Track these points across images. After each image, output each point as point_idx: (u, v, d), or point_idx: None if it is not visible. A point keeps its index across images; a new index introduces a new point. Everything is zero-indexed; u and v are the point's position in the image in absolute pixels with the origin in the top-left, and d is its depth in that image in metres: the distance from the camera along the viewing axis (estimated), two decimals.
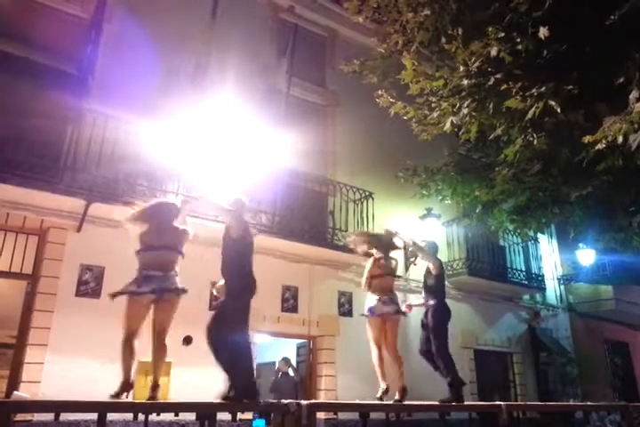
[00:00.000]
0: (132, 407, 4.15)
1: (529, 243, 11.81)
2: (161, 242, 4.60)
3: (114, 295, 4.49)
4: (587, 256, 12.61)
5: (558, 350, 11.85)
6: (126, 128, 6.96)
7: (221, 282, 4.72)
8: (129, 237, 4.91)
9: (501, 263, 11.48)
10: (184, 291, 4.48)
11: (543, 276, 12.12)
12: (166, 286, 4.44)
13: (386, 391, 5.38)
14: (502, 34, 4.38)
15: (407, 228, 9.88)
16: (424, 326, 5.92)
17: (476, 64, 4.68)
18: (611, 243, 7.02)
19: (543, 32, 4.12)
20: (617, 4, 4.14)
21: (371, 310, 5.65)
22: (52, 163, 6.79)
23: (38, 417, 5.83)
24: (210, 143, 7.66)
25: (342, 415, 6.03)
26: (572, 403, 9.97)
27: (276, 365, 9.88)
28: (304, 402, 4.36)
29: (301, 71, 9.54)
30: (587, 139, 4.12)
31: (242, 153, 7.83)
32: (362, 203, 9.16)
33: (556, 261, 13.26)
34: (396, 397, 5.35)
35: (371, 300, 5.73)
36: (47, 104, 6.51)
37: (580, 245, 12.34)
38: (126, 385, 4.15)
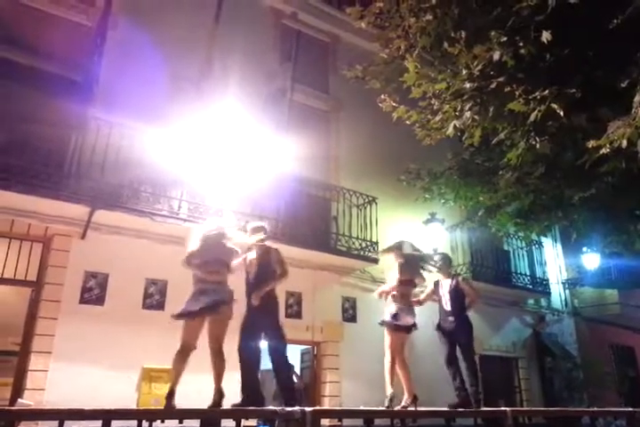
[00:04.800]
0: (137, 415, 4.14)
1: (533, 247, 11.79)
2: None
3: None
4: (591, 260, 12.56)
5: (564, 354, 11.79)
6: (130, 135, 6.98)
7: None
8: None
9: (506, 268, 11.46)
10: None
11: (548, 280, 12.09)
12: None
13: (392, 399, 5.36)
14: (505, 38, 4.38)
15: (411, 233, 9.90)
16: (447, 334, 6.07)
17: (479, 67, 4.67)
18: (613, 246, 6.99)
19: (546, 36, 4.11)
20: (620, 8, 4.14)
21: (395, 317, 5.65)
22: (57, 170, 6.81)
23: (42, 425, 5.82)
24: (214, 149, 7.67)
25: (347, 422, 5.99)
26: (577, 409, 9.89)
27: None
28: (308, 409, 4.34)
29: (304, 77, 9.56)
30: (591, 144, 4.11)
31: (246, 159, 7.84)
32: (365, 208, 9.15)
33: (561, 265, 13.21)
34: (403, 403, 5.35)
35: (391, 307, 5.74)
36: (52, 111, 6.54)
37: (585, 249, 12.31)
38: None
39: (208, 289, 4.62)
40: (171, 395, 4.35)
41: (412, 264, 5.92)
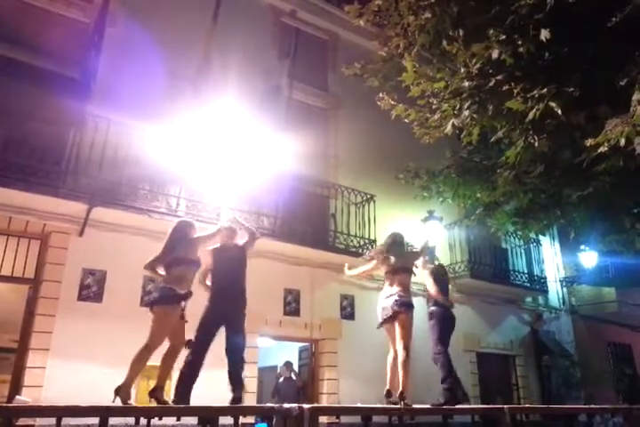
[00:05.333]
0: (134, 412, 4.15)
1: (531, 245, 11.81)
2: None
3: None
4: (589, 258, 12.58)
5: (561, 352, 11.82)
6: (128, 132, 6.97)
7: None
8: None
9: (503, 266, 11.47)
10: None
11: (545, 278, 12.10)
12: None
13: (387, 394, 5.32)
14: (503, 36, 4.38)
15: (409, 230, 9.90)
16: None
17: (477, 66, 4.67)
18: (612, 245, 7.00)
19: (544, 34, 4.11)
20: (619, 6, 4.13)
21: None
22: (55, 167, 6.81)
23: (40, 422, 5.82)
24: (212, 147, 7.66)
25: (344, 419, 6.00)
26: (575, 406, 9.92)
27: (278, 369, 9.86)
28: (306, 406, 4.34)
29: (303, 75, 9.56)
30: (589, 142, 4.11)
31: (244, 157, 7.83)
32: (363, 206, 9.16)
33: (559, 263, 13.24)
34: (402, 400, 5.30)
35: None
36: (50, 109, 6.53)
37: (583, 246, 12.33)
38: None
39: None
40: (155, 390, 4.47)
41: (395, 252, 5.72)
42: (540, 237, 11.07)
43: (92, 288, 6.89)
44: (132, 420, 4.06)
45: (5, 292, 7.37)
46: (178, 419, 4.52)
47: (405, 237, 5.99)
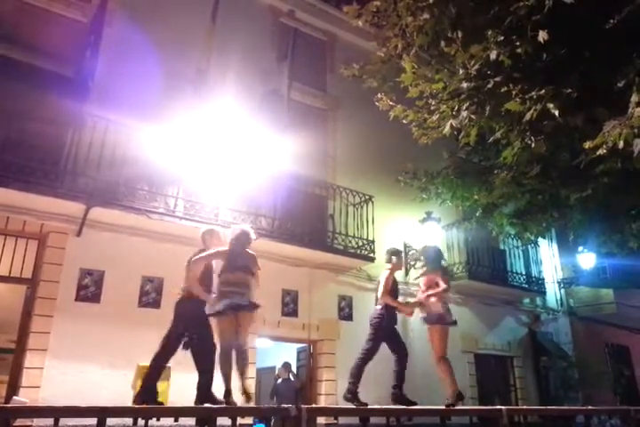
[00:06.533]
0: (132, 412, 4.15)
1: (529, 246, 11.81)
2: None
3: None
4: (587, 260, 12.60)
5: (559, 353, 11.83)
6: (127, 132, 6.96)
7: None
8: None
9: (501, 267, 11.47)
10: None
11: (543, 279, 12.10)
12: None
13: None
14: (502, 37, 4.39)
15: (407, 231, 9.92)
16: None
17: (476, 67, 4.68)
18: (607, 244, 7.01)
19: (543, 35, 4.11)
20: (617, 8, 4.14)
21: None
22: (53, 167, 6.79)
23: (38, 422, 5.81)
24: (210, 147, 7.66)
25: (342, 420, 6.00)
26: (572, 407, 9.92)
27: (276, 370, 9.86)
28: (304, 407, 4.34)
29: (302, 75, 9.56)
30: (587, 145, 4.11)
31: (242, 157, 7.83)
32: (362, 207, 9.15)
33: (557, 264, 13.24)
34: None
35: None
36: (48, 108, 6.53)
37: (580, 248, 12.34)
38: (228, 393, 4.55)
39: None
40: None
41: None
42: (539, 238, 11.09)
43: (89, 288, 6.87)
44: (130, 420, 4.05)
45: (3, 292, 7.35)
46: (175, 420, 4.52)
47: (432, 249, 6.31)
